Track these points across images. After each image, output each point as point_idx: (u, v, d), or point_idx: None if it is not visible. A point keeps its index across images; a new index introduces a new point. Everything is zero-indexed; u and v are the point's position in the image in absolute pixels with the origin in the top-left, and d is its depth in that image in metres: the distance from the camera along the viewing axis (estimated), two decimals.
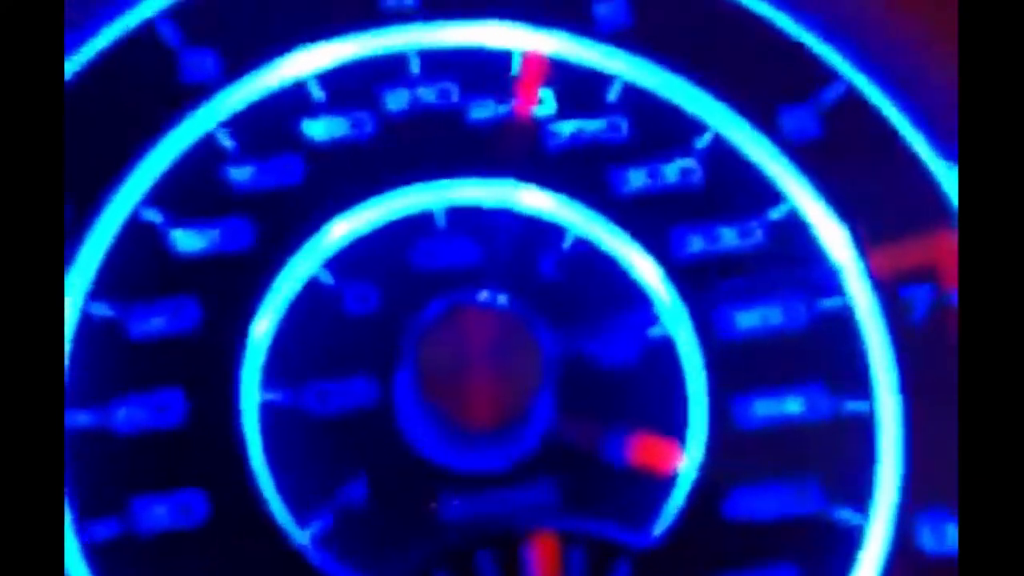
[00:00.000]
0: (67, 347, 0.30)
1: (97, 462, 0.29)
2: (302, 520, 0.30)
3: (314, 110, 0.33)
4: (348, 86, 0.33)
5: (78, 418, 0.30)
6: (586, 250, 0.32)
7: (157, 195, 0.31)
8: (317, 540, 0.29)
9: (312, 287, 0.31)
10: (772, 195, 0.33)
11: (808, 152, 0.33)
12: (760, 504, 0.30)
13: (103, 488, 0.29)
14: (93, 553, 0.29)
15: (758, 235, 0.32)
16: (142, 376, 0.30)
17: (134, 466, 0.29)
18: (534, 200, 0.32)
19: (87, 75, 0.32)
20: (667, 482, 0.30)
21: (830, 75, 0.33)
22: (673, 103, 0.33)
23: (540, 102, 0.33)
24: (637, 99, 0.33)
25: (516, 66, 0.33)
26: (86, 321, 0.30)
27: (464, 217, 0.32)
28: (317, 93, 0.33)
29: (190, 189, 0.32)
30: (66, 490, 0.29)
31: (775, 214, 0.32)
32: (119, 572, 0.29)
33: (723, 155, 0.33)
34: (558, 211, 0.32)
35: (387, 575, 0.29)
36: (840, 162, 0.33)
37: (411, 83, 0.33)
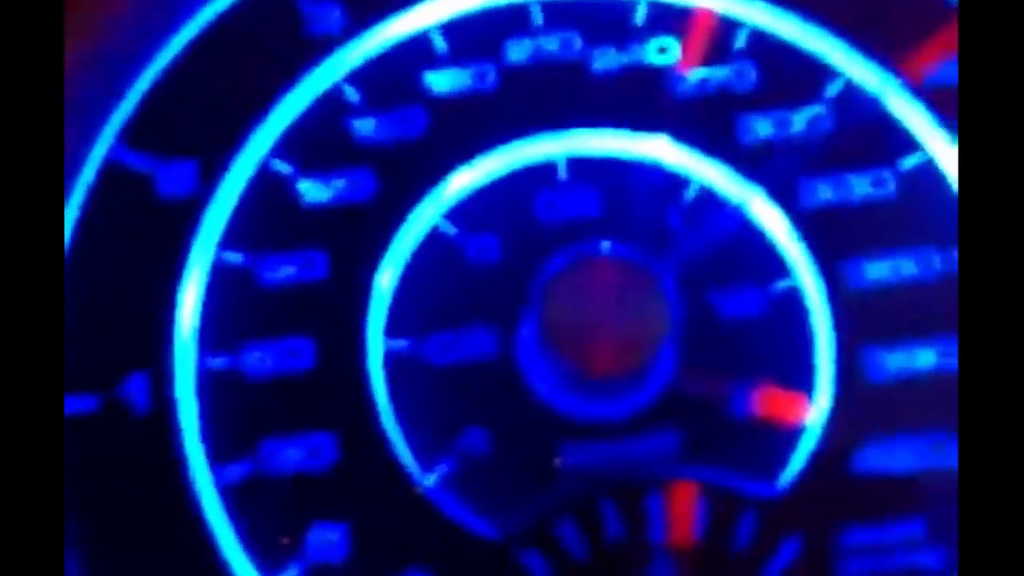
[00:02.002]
0: (200, 294, 0.31)
1: (230, 405, 0.30)
2: (426, 465, 0.30)
3: (437, 62, 0.33)
4: (470, 37, 0.33)
5: (211, 362, 0.30)
6: (711, 200, 0.32)
7: (285, 147, 0.32)
8: (441, 484, 0.30)
9: (434, 237, 0.31)
10: (906, 143, 0.32)
11: (945, 99, 0.32)
12: (889, 458, 0.29)
13: (235, 430, 0.30)
14: (226, 494, 0.30)
15: (890, 184, 0.31)
16: (272, 322, 0.31)
17: (265, 409, 0.30)
18: (658, 150, 0.32)
19: (216, 29, 0.33)
20: (793, 434, 0.30)
21: None
22: (803, 49, 0.32)
23: (705, 58, 0.32)
24: (765, 46, 0.33)
25: (641, 15, 0.33)
26: (218, 269, 0.31)
27: (586, 168, 0.32)
28: (440, 45, 0.33)
29: (316, 141, 0.32)
30: (200, 434, 0.30)
31: (909, 162, 0.31)
32: (250, 512, 0.30)
33: (854, 102, 0.32)
34: (683, 161, 0.32)
35: (510, 521, 0.29)
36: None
37: (533, 33, 0.33)
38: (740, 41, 0.33)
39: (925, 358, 0.30)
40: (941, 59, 0.32)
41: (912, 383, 0.30)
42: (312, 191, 0.32)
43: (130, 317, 0.30)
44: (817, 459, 0.29)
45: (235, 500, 0.30)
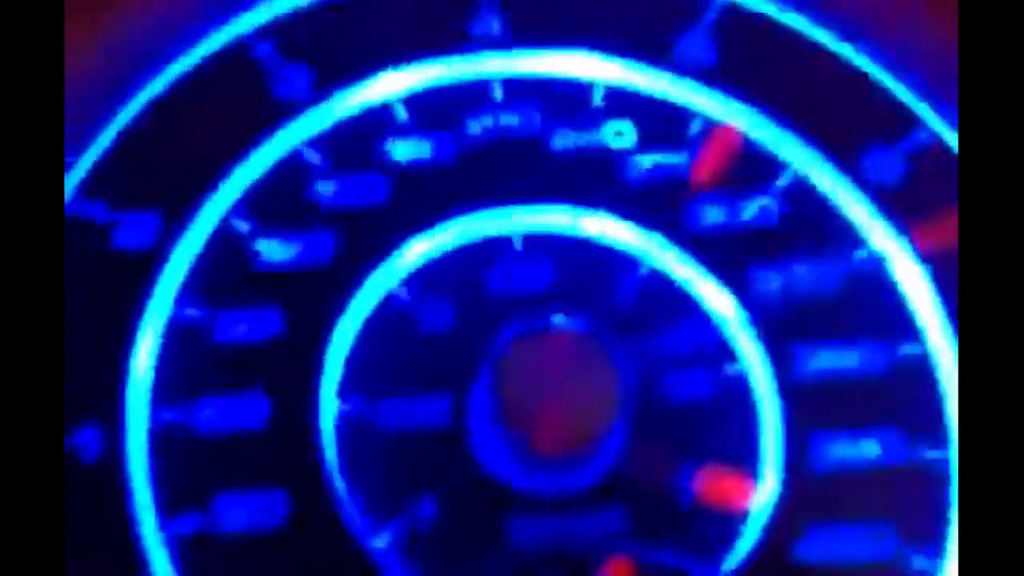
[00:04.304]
0: (156, 347, 0.31)
1: (181, 459, 0.30)
2: (375, 528, 0.30)
3: (399, 131, 0.33)
4: (432, 109, 0.33)
5: (164, 415, 0.30)
6: (662, 282, 0.32)
7: (246, 206, 0.32)
8: (388, 549, 0.29)
9: (389, 303, 0.31)
10: (852, 238, 0.33)
11: (891, 196, 0.33)
12: (832, 547, 0.30)
13: (186, 485, 0.30)
14: (175, 548, 0.29)
15: (837, 278, 0.32)
16: (226, 379, 0.30)
17: (216, 465, 0.30)
18: (611, 230, 0.33)
19: (183, 86, 0.33)
20: (738, 519, 0.30)
21: (915, 121, 0.33)
22: (754, 140, 0.33)
23: (713, 173, 0.33)
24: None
25: (599, 98, 0.34)
26: (175, 323, 0.31)
27: (541, 243, 0.32)
28: (402, 115, 0.33)
29: (277, 202, 0.32)
30: (150, 486, 0.30)
31: (856, 256, 0.32)
32: (200, 567, 0.29)
33: (803, 195, 0.33)
34: (635, 242, 0.32)
35: None
36: (923, 208, 0.33)
37: (494, 109, 0.33)
38: (694, 129, 0.33)
39: (869, 449, 0.31)
40: (889, 156, 0.33)
41: (856, 473, 0.30)
42: (271, 251, 0.32)
43: (84, 367, 0.30)
44: (761, 545, 0.30)
45: (183, 555, 0.29)
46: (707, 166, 0.33)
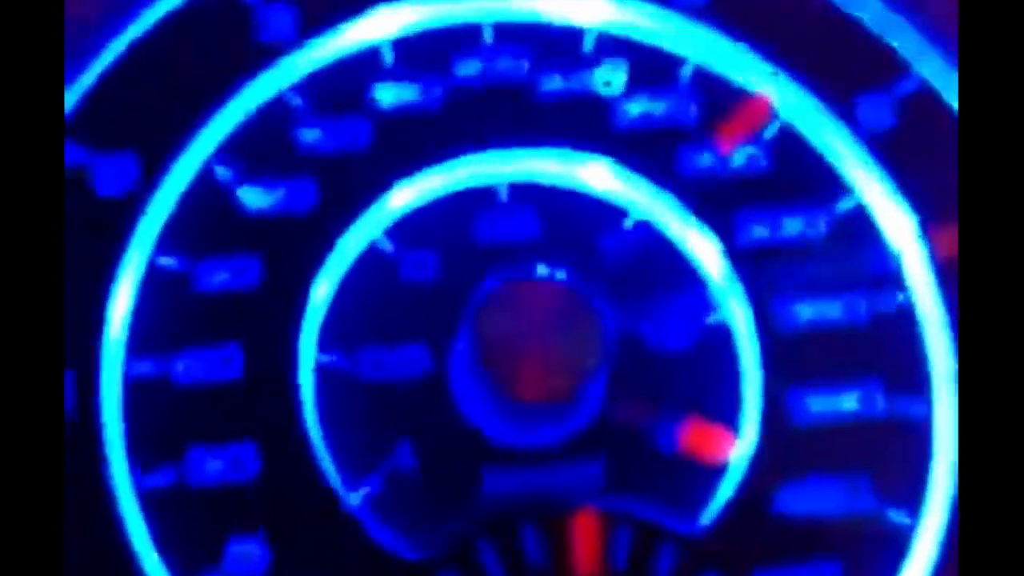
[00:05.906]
0: (133, 297, 0.31)
1: (155, 411, 0.30)
2: (352, 481, 0.30)
3: (385, 75, 0.33)
4: (420, 53, 0.33)
5: (139, 366, 0.30)
6: (648, 231, 0.32)
7: (228, 152, 0.32)
8: (366, 502, 0.30)
9: (372, 252, 0.31)
10: (840, 186, 0.32)
11: (880, 144, 0.32)
12: (809, 499, 0.30)
13: (160, 437, 0.30)
14: (147, 501, 0.29)
15: (822, 226, 0.32)
16: (203, 329, 0.30)
17: (191, 417, 0.30)
18: (598, 178, 0.32)
19: (167, 28, 0.32)
20: (717, 471, 0.30)
21: (906, 67, 0.33)
22: (745, 87, 0.33)
23: (734, 140, 0.32)
24: (708, 81, 0.33)
25: (590, 44, 0.33)
26: (152, 272, 0.31)
27: (527, 191, 0.32)
28: (389, 58, 0.33)
29: (260, 148, 0.32)
30: (124, 438, 0.30)
31: (842, 206, 0.32)
32: (171, 521, 0.29)
33: (792, 143, 0.33)
34: (622, 190, 0.32)
35: (432, 542, 0.29)
36: (913, 155, 0.32)
37: (483, 53, 0.33)
38: (684, 75, 0.33)
39: (848, 402, 0.31)
40: (880, 105, 0.33)
41: (837, 426, 0.30)
42: (252, 198, 0.31)
43: None
44: (739, 497, 0.30)
45: (156, 508, 0.29)
46: (733, 134, 0.32)
